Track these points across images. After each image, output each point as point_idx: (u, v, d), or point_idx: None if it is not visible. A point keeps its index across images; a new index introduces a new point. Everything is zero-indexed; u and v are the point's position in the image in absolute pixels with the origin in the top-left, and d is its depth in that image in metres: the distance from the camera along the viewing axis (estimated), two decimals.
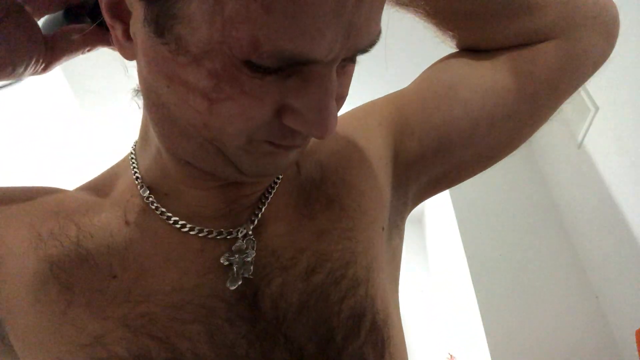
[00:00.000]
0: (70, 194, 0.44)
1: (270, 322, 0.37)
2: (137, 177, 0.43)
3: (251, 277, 0.38)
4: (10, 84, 0.40)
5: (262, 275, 0.39)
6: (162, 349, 0.35)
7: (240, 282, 0.37)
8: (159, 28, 0.28)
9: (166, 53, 0.29)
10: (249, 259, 0.38)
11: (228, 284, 0.37)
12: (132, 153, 0.45)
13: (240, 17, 0.25)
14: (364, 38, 0.29)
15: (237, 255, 0.39)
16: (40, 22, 0.41)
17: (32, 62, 0.39)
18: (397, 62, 2.03)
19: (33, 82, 1.66)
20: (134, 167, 0.44)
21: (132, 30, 0.32)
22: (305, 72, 0.29)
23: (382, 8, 0.29)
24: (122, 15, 0.32)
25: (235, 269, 0.38)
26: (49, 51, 0.40)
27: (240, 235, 0.40)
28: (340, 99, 0.34)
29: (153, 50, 0.30)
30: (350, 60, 0.32)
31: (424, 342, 2.43)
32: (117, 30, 0.32)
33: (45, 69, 0.40)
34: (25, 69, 0.39)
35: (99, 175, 0.47)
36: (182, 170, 0.40)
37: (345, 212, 0.43)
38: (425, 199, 0.52)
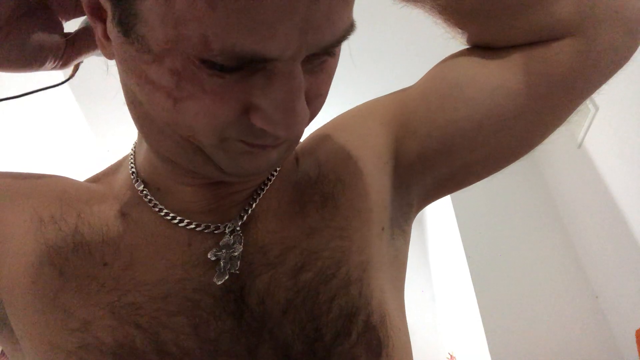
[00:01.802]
0: (76, 182, 0.45)
1: (256, 318, 0.37)
2: (133, 172, 0.44)
3: (237, 272, 0.38)
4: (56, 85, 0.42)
5: (249, 271, 0.39)
6: (146, 338, 0.35)
7: (227, 277, 0.37)
8: (124, 27, 0.29)
9: (133, 52, 0.29)
10: (235, 254, 0.38)
11: (215, 279, 0.37)
12: (133, 148, 0.46)
13: (188, 15, 0.25)
14: (326, 34, 0.28)
15: (224, 251, 0.39)
16: (83, 22, 0.42)
17: (51, 57, 0.40)
18: (405, 58, 2.03)
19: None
20: (132, 162, 0.45)
21: (108, 29, 0.32)
22: (268, 70, 0.28)
23: (347, 3, 0.28)
24: (101, 15, 0.32)
25: (222, 264, 0.38)
26: (69, 47, 0.41)
27: (227, 230, 0.40)
28: (318, 96, 0.33)
29: (122, 50, 0.30)
30: (321, 56, 0.31)
31: (424, 341, 2.43)
32: (97, 30, 0.33)
33: (64, 65, 0.42)
34: (44, 63, 0.40)
35: (106, 168, 0.49)
36: (168, 167, 0.41)
37: (339, 211, 0.43)
38: (434, 200, 0.50)
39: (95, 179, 0.47)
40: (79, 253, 0.39)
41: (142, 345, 0.35)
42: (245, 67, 0.28)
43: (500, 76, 0.44)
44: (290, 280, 0.38)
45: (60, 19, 0.40)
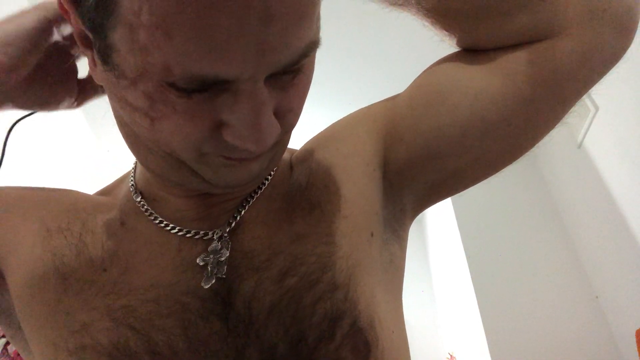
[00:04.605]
0: (85, 196, 0.49)
1: (242, 320, 0.39)
2: (132, 184, 0.47)
3: (224, 276, 0.40)
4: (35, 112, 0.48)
5: (235, 276, 0.40)
6: (139, 339, 0.37)
7: (213, 282, 0.39)
8: (103, 56, 0.31)
9: (113, 78, 0.32)
10: (222, 259, 0.40)
11: (202, 283, 0.39)
12: (135, 162, 0.49)
13: (150, 45, 0.27)
14: (283, 55, 0.29)
15: (212, 256, 0.41)
16: None
17: (66, 100, 0.44)
18: (406, 60, 2.03)
19: None
20: (132, 175, 0.48)
21: (94, 57, 0.34)
22: (233, 89, 0.30)
23: (303, 22, 0.29)
24: (89, 43, 0.34)
25: (209, 269, 0.40)
26: (81, 90, 0.45)
27: (215, 236, 0.42)
28: (289, 111, 0.34)
29: (104, 76, 0.33)
30: (291, 72, 0.32)
31: (424, 341, 2.44)
32: (88, 58, 0.35)
33: (79, 104, 0.46)
34: (59, 104, 0.44)
35: (115, 180, 0.52)
36: (159, 180, 0.43)
37: (326, 218, 0.44)
38: (430, 204, 0.50)
39: (105, 191, 0.51)
40: (80, 260, 0.42)
41: (136, 346, 0.37)
42: (210, 88, 0.30)
43: (484, 80, 0.43)
44: (275, 284, 0.40)
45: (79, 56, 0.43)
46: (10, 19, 0.41)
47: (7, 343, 1.43)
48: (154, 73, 0.28)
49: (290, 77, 0.33)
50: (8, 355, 1.43)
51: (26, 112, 0.47)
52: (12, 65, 0.40)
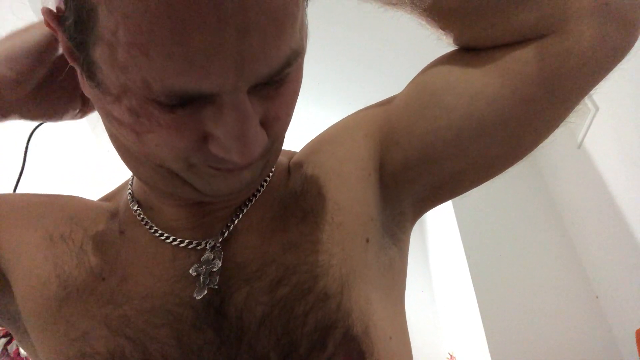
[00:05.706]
0: (88, 202, 0.49)
1: (234, 331, 0.39)
2: (129, 193, 0.47)
3: (216, 287, 0.40)
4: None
5: (227, 286, 0.40)
6: (134, 349, 0.38)
7: (205, 292, 0.39)
8: (88, 73, 0.31)
9: (99, 94, 0.32)
10: (214, 270, 0.40)
11: (195, 294, 0.39)
12: None
13: (128, 62, 0.27)
14: (264, 65, 0.29)
15: (204, 266, 0.41)
16: None
17: (70, 112, 0.46)
18: (402, 60, 2.03)
19: None
20: (130, 183, 0.48)
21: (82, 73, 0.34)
22: (216, 102, 0.30)
23: (283, 32, 0.29)
24: (78, 60, 0.34)
25: (202, 279, 0.40)
26: (85, 104, 0.46)
27: (208, 246, 0.42)
28: (277, 120, 0.34)
29: (91, 91, 0.33)
30: (276, 81, 0.32)
31: (424, 341, 2.44)
32: (77, 72, 0.35)
33: (82, 116, 0.47)
34: (63, 116, 0.46)
35: (119, 185, 0.52)
36: (150, 191, 0.44)
37: (319, 226, 0.43)
38: (431, 207, 0.49)
39: (109, 196, 0.51)
40: (81, 268, 0.42)
41: (131, 355, 0.38)
42: (192, 102, 0.30)
43: (481, 80, 0.42)
44: (267, 295, 0.40)
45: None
46: (16, 34, 0.41)
47: (7, 343, 1.43)
48: (135, 90, 0.29)
49: (275, 86, 0.32)
50: (8, 355, 1.43)
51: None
52: (18, 80, 0.41)
